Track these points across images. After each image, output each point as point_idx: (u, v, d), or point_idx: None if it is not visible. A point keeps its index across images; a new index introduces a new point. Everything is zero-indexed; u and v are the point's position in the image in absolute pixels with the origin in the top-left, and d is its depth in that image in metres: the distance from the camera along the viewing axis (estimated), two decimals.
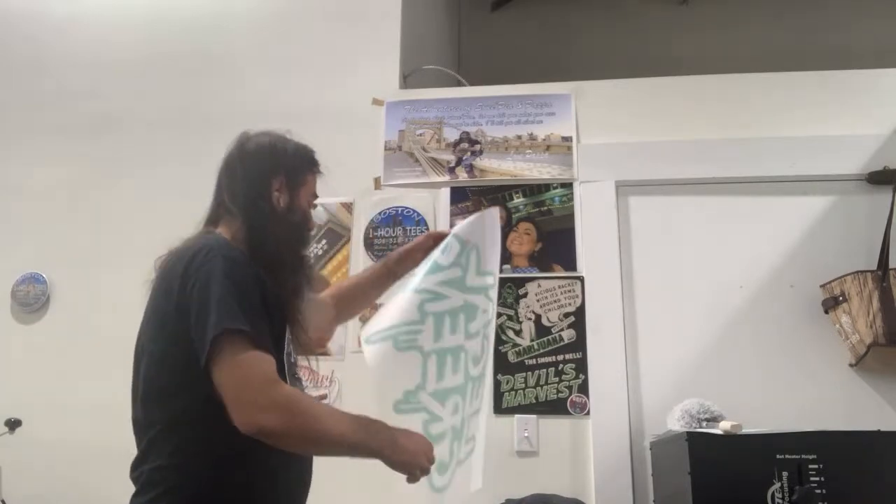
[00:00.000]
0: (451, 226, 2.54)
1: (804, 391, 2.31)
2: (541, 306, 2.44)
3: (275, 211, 1.49)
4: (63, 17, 3.04)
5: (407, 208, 2.60)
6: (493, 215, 1.77)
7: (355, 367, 2.32)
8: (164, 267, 1.41)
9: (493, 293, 1.72)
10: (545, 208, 2.56)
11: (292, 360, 1.46)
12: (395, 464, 1.35)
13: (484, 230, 1.70)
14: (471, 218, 1.73)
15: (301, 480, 1.43)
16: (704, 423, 2.01)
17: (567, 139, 2.61)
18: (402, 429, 1.38)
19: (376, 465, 1.35)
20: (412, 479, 1.39)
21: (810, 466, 1.72)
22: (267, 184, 1.50)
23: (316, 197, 1.60)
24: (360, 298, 1.83)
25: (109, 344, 2.60)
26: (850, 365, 2.31)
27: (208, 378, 1.25)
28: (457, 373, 1.56)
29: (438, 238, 1.71)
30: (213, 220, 1.55)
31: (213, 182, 2.84)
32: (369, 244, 2.57)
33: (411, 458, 1.36)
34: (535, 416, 2.34)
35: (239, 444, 1.24)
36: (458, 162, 2.64)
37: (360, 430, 1.32)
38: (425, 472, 1.39)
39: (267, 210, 1.48)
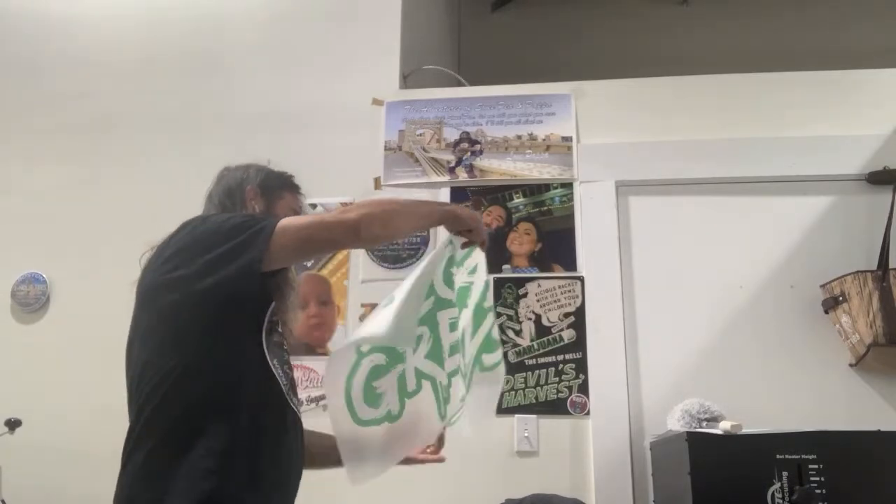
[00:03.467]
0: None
1: (804, 391, 2.31)
2: (541, 306, 2.44)
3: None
4: (62, 18, 3.04)
5: None
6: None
7: None
8: (150, 258, 1.45)
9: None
10: (545, 208, 2.56)
11: (287, 357, 1.46)
12: (463, 216, 1.48)
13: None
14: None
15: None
16: (704, 423, 2.01)
17: (567, 139, 2.61)
18: None
19: None
20: (479, 237, 1.50)
21: (810, 466, 1.72)
22: (240, 190, 1.56)
23: (297, 214, 1.62)
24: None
25: (109, 344, 2.59)
26: (850, 365, 2.31)
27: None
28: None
29: None
30: None
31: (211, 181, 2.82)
32: None
33: (475, 213, 1.51)
34: (535, 416, 2.34)
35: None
36: (458, 162, 2.64)
37: (421, 203, 1.54)
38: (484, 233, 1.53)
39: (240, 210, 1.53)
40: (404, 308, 1.40)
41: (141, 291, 1.40)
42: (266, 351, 1.34)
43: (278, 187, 1.60)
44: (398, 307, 1.39)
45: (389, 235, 1.59)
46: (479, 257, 1.59)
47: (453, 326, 1.53)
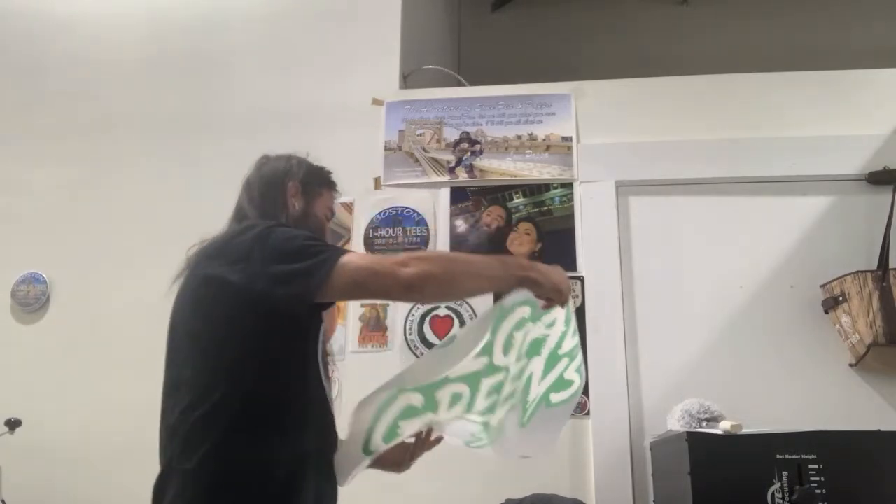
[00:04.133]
0: (451, 225, 2.56)
1: (804, 391, 2.31)
2: None
3: (289, 213, 1.51)
4: (63, 18, 3.04)
5: (407, 208, 2.60)
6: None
7: (355, 367, 2.32)
8: (201, 251, 1.42)
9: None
10: (545, 208, 2.56)
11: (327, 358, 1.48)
12: (545, 284, 1.36)
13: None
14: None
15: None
16: (704, 423, 2.01)
17: (567, 139, 2.61)
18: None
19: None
20: (563, 299, 1.40)
21: (810, 466, 1.72)
22: (283, 186, 1.53)
23: (333, 213, 1.63)
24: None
25: (109, 344, 2.60)
26: (850, 365, 2.31)
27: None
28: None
29: None
30: None
31: (212, 182, 2.84)
32: (369, 244, 2.57)
33: (559, 276, 1.38)
34: None
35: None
36: (458, 162, 2.64)
37: (495, 263, 1.36)
38: (570, 292, 1.43)
39: (281, 209, 1.50)
40: (454, 355, 1.39)
41: (196, 283, 1.38)
42: (317, 362, 1.38)
43: (318, 184, 1.60)
44: (449, 353, 1.39)
45: (450, 297, 1.47)
46: (559, 312, 1.53)
47: (492, 392, 1.51)
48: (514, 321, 1.47)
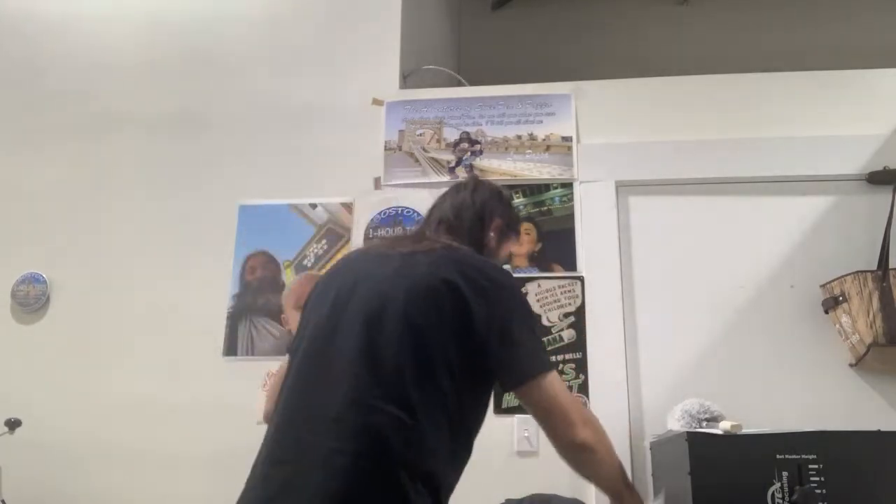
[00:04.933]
0: None
1: (804, 391, 2.31)
2: (541, 306, 2.44)
3: (487, 246, 1.61)
4: (62, 18, 3.04)
5: (407, 208, 2.60)
6: None
7: None
8: (447, 256, 1.43)
9: None
10: (545, 208, 2.56)
11: None
12: None
13: None
14: None
15: None
16: (704, 423, 2.01)
17: (567, 139, 2.61)
18: None
19: None
20: None
21: (810, 466, 1.71)
22: (490, 219, 1.63)
23: (511, 258, 1.68)
24: None
25: (109, 344, 2.60)
26: (850, 365, 2.31)
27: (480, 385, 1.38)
28: None
29: None
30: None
31: (212, 182, 2.85)
32: (369, 244, 2.57)
33: None
34: None
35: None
36: (458, 162, 2.64)
37: (627, 479, 1.47)
38: None
39: (482, 241, 1.60)
40: None
41: (435, 282, 1.37)
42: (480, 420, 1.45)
43: (513, 230, 1.72)
44: None
45: (585, 473, 1.50)
46: None
47: None
48: None
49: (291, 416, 1.32)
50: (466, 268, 1.39)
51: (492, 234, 1.63)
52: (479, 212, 1.63)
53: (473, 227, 1.60)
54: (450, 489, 1.36)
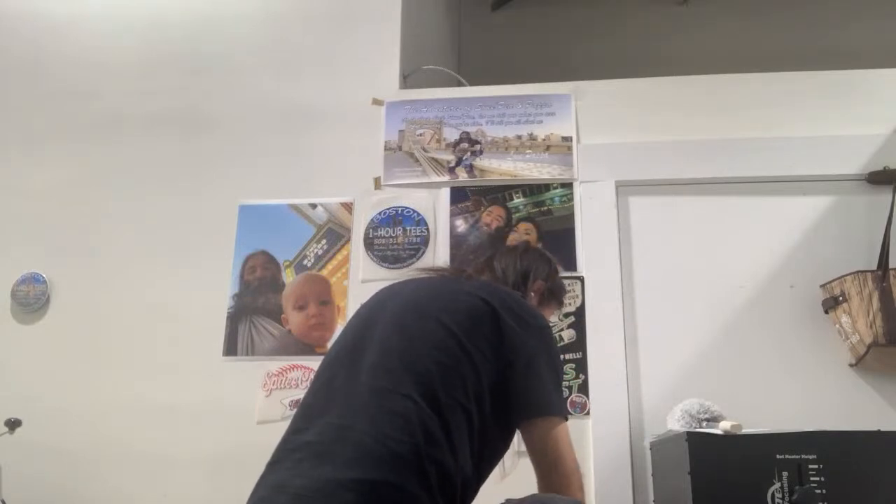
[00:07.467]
0: (451, 225, 2.56)
1: (804, 391, 2.31)
2: None
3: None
4: (63, 18, 3.04)
5: (407, 208, 2.60)
6: None
7: None
8: (480, 283, 1.49)
9: None
10: (545, 208, 2.56)
11: None
12: None
13: None
14: None
15: None
16: (704, 423, 2.01)
17: (567, 139, 2.61)
18: None
19: None
20: None
21: (810, 466, 1.72)
22: (534, 280, 1.66)
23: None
24: None
25: (109, 344, 2.60)
26: (850, 365, 2.31)
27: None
28: None
29: None
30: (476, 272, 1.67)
31: (212, 182, 2.85)
32: (369, 244, 2.57)
33: None
34: None
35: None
36: (458, 162, 2.64)
37: None
38: None
39: (523, 297, 1.59)
40: None
41: (478, 301, 1.42)
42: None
43: (555, 299, 1.76)
44: None
45: None
46: None
47: None
48: None
49: (323, 404, 1.33)
50: (507, 298, 1.44)
51: (532, 293, 1.65)
52: (524, 271, 1.66)
53: (516, 282, 1.63)
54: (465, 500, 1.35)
